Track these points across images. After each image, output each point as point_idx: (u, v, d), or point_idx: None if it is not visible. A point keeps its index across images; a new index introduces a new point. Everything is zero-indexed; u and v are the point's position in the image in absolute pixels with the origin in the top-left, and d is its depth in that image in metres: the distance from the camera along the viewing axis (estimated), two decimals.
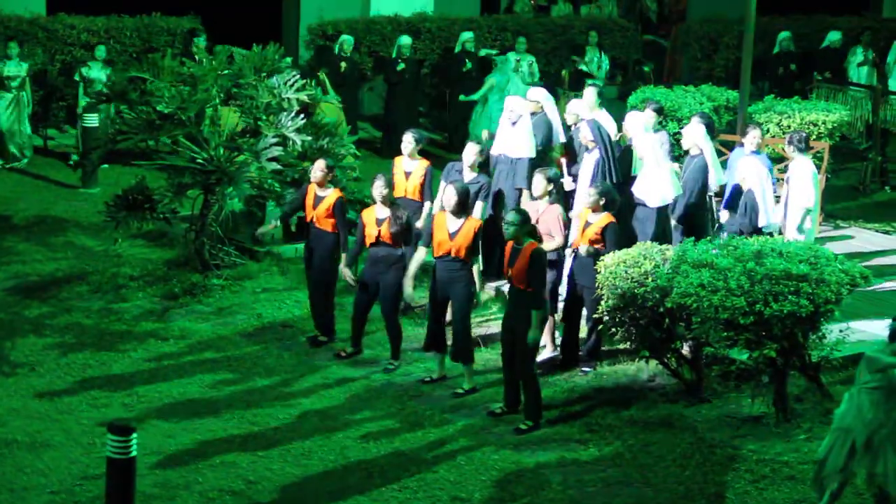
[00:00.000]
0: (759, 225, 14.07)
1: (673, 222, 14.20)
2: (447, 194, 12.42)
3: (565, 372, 12.87)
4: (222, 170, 14.68)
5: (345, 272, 13.01)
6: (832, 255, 12.00)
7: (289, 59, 15.74)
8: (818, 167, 17.85)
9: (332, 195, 13.33)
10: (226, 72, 15.15)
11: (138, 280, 14.83)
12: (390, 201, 12.96)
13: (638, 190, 14.00)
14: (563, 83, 22.54)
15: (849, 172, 20.99)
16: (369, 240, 12.88)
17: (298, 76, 15.54)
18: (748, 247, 12.02)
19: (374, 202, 13.02)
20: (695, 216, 14.38)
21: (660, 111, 15.65)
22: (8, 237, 16.31)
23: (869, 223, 18.29)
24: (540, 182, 13.00)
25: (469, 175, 14.00)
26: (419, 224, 13.78)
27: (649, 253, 12.30)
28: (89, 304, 14.28)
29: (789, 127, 17.88)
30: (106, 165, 18.48)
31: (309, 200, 13.45)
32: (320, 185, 13.40)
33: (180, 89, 14.78)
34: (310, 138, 15.07)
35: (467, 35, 22.18)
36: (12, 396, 11.94)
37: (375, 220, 12.85)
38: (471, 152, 14.06)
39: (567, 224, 13.14)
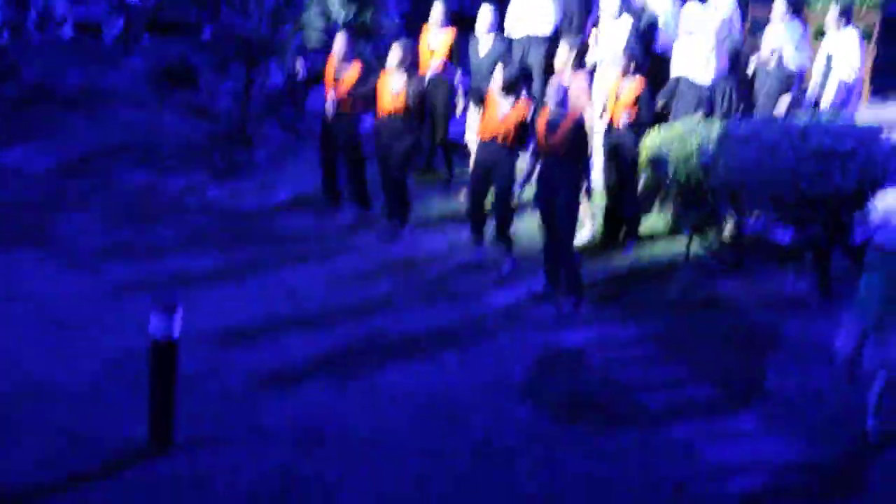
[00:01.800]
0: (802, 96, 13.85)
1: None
2: (495, 74, 12.16)
3: (605, 251, 12.83)
4: (266, 42, 14.57)
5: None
6: (880, 130, 11.85)
7: None
8: (868, 38, 17.58)
9: (353, 68, 13.10)
10: None
11: (182, 154, 14.83)
12: (406, 71, 12.71)
13: (687, 68, 13.65)
14: None
15: None
16: (383, 110, 12.72)
17: None
18: (795, 124, 11.88)
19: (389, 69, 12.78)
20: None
21: None
22: (53, 108, 16.30)
23: None
24: (561, 51, 12.79)
25: (485, 44, 13.74)
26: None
27: (695, 129, 12.15)
28: (132, 179, 14.31)
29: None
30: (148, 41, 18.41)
31: (329, 75, 13.20)
32: (342, 59, 13.13)
33: None
34: (353, 11, 14.92)
35: None
36: (59, 271, 12.00)
37: (391, 89, 12.69)
38: (484, 16, 13.81)
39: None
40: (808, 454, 9.59)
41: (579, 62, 12.87)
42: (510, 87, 11.96)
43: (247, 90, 15.03)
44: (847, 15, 14.32)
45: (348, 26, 14.78)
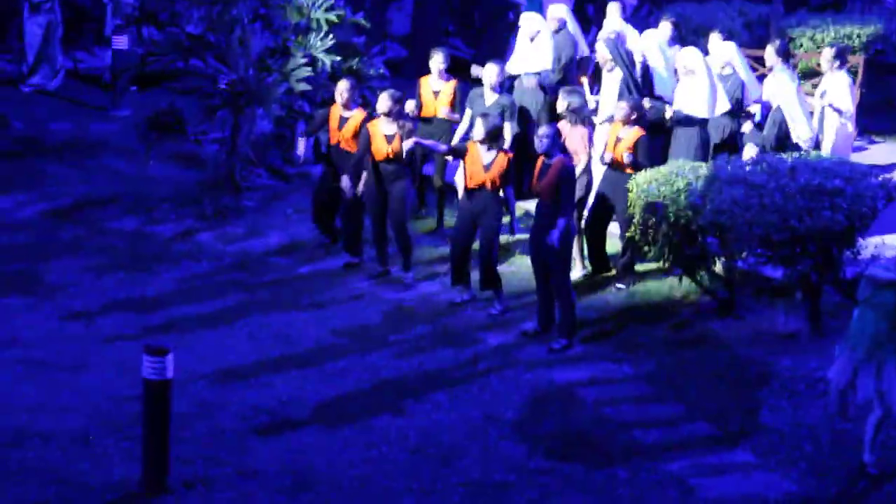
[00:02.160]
0: (797, 139, 13.85)
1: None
2: (477, 126, 12.25)
3: (597, 290, 12.86)
4: (251, 91, 14.63)
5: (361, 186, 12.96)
6: (867, 169, 11.91)
7: None
8: (853, 81, 17.71)
9: (357, 115, 13.25)
10: None
11: (170, 202, 14.85)
12: (397, 117, 12.78)
13: (687, 106, 13.76)
14: None
15: (884, 86, 20.74)
16: (378, 156, 12.80)
17: None
18: (782, 163, 11.94)
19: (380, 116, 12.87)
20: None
21: (676, 25, 15.37)
22: (41, 159, 16.32)
23: None
24: (560, 101, 12.99)
25: (491, 97, 13.89)
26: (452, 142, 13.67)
27: (682, 170, 12.23)
28: (122, 226, 14.32)
29: (822, 41, 17.70)
30: (136, 88, 18.46)
31: (333, 123, 13.37)
32: (345, 106, 13.30)
33: (210, 9, 14.70)
34: (339, 59, 14.98)
35: None
36: (48, 318, 12.00)
37: (384, 136, 12.76)
38: (490, 73, 13.93)
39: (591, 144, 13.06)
40: (804, 488, 9.57)
41: (578, 110, 12.92)
42: (492, 138, 12.08)
43: (234, 137, 15.07)
44: (841, 57, 14.38)
45: (335, 74, 14.84)
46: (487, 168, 12.06)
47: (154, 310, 12.26)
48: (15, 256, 13.41)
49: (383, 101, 12.78)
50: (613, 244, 13.16)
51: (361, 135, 12.96)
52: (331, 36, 15.02)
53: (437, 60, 14.20)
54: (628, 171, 12.53)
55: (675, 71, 14.13)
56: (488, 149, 12.09)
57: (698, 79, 13.73)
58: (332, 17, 15.18)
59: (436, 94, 14.15)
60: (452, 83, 14.25)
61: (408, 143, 12.61)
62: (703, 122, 13.74)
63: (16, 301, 12.33)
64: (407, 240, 12.99)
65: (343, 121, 13.29)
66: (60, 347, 11.38)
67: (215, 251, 13.73)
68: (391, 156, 12.74)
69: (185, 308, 12.31)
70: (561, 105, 13.03)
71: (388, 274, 13.13)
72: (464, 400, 10.69)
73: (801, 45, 17.66)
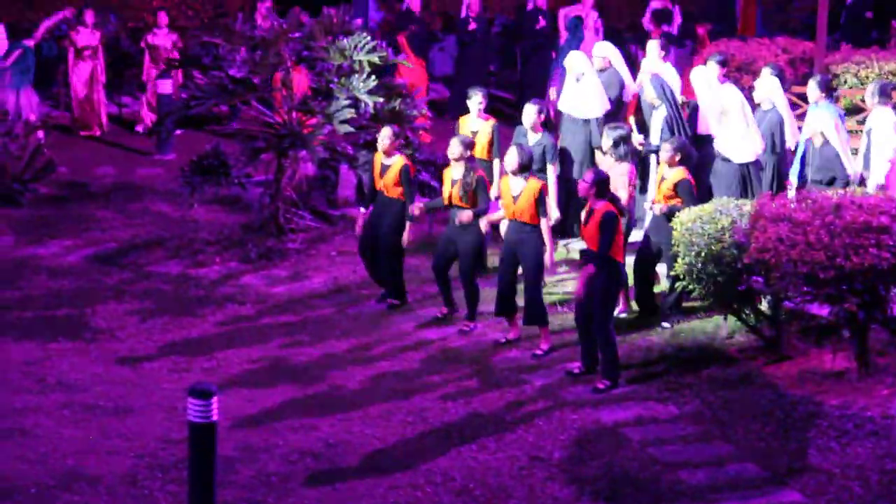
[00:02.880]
0: (846, 175, 13.79)
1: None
2: (508, 155, 12.29)
3: (642, 330, 12.81)
4: (295, 133, 14.71)
5: (414, 209, 12.96)
6: None
7: (359, 21, 15.71)
8: None
9: (398, 162, 13.26)
10: (297, 34, 15.15)
11: (215, 245, 14.92)
12: (465, 162, 12.81)
13: (723, 146, 13.76)
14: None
15: None
16: (445, 200, 12.87)
17: (369, 38, 15.51)
18: (826, 200, 11.86)
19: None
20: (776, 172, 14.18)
21: (724, 63, 15.36)
22: (86, 204, 16.46)
23: None
24: (605, 138, 13.04)
25: (533, 137, 13.90)
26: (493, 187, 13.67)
27: (726, 208, 12.18)
28: (167, 270, 14.40)
29: (867, 77, 17.63)
30: (179, 132, 18.62)
31: (376, 169, 13.38)
32: (387, 153, 13.31)
33: (252, 53, 14.82)
34: (382, 100, 15.04)
35: None
36: (94, 362, 12.07)
37: (451, 180, 12.81)
38: (529, 114, 13.93)
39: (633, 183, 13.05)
40: None
41: (622, 146, 12.92)
42: (523, 168, 12.14)
43: (278, 180, 15.14)
44: (883, 93, 14.30)
45: (378, 115, 14.89)
46: (516, 199, 12.11)
47: (199, 353, 12.30)
48: (61, 301, 13.51)
49: (453, 148, 12.77)
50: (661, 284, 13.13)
51: (403, 176, 13.00)
52: (373, 77, 15.10)
53: (476, 100, 14.23)
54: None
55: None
56: (519, 178, 12.15)
57: (732, 119, 13.71)
58: (375, 58, 15.27)
59: (474, 134, 14.16)
60: (491, 123, 14.26)
61: (465, 216, 12.62)
62: (746, 163, 13.68)
63: (63, 345, 12.41)
64: (474, 289, 12.94)
65: (385, 168, 13.29)
66: (107, 391, 11.43)
67: (259, 294, 13.78)
68: (453, 202, 12.74)
69: (230, 351, 12.35)
70: (605, 142, 13.02)
71: (456, 313, 13.09)
72: (510, 441, 10.65)
73: (846, 82, 17.59)
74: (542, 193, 12.14)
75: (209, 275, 14.27)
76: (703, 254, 11.86)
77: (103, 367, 11.96)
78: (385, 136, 13.32)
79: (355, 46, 15.16)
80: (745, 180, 13.71)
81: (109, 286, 13.93)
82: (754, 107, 14.42)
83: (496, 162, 14.15)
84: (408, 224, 13.07)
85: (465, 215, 12.64)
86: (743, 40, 19.30)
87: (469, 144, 12.84)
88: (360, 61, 15.12)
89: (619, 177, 12.80)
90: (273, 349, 12.43)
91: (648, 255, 12.88)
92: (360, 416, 11.07)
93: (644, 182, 14.35)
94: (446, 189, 12.81)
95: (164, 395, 11.35)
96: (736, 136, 13.70)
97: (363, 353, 12.37)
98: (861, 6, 23.02)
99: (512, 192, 12.20)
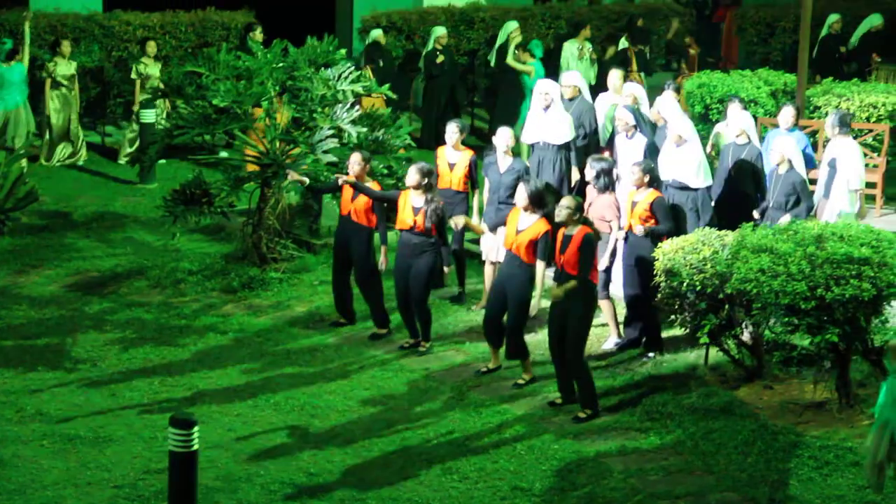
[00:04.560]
0: (811, 204, 13.97)
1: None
2: (519, 191, 12.18)
3: (624, 359, 12.81)
4: (278, 163, 14.72)
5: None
6: (894, 237, 11.86)
7: (343, 52, 15.75)
8: (878, 150, 17.73)
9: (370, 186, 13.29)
10: (280, 65, 15.17)
11: (197, 274, 14.89)
12: (427, 190, 12.81)
13: (680, 173, 13.75)
14: (629, 63, 22.18)
15: None
16: (401, 225, 12.83)
17: (353, 68, 15.53)
18: (808, 231, 11.91)
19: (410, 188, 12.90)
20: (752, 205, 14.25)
21: (678, 90, 15.50)
22: (68, 234, 16.43)
23: None
24: (589, 168, 13.01)
25: (505, 162, 13.91)
26: (458, 219, 13.56)
27: (708, 238, 12.21)
28: (149, 300, 14.37)
29: (849, 110, 17.74)
30: (163, 161, 18.61)
31: (346, 194, 13.39)
32: (358, 178, 13.33)
33: (236, 83, 14.83)
34: (365, 130, 15.06)
35: (440, 31, 21.61)
36: (75, 392, 12.02)
37: (412, 207, 12.79)
38: (503, 137, 13.94)
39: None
40: None
41: (607, 176, 12.94)
42: (535, 203, 12.09)
43: (260, 209, 15.13)
44: (842, 123, 14.45)
45: (361, 145, 14.90)
46: (519, 231, 12.09)
47: (180, 382, 12.27)
48: (42, 330, 13.46)
49: (414, 175, 12.81)
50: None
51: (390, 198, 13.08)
52: (357, 107, 15.12)
53: (451, 131, 14.22)
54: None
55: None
56: (530, 214, 12.11)
57: (691, 146, 13.79)
58: (359, 88, 15.30)
59: (451, 166, 14.16)
60: (468, 154, 14.24)
61: (459, 223, 12.70)
62: (695, 190, 13.78)
63: (43, 375, 12.36)
64: (426, 313, 12.98)
65: (355, 191, 13.31)
66: (87, 421, 11.39)
67: (241, 323, 13.75)
68: (416, 228, 12.75)
69: (212, 381, 12.32)
70: (590, 172, 13.02)
71: (419, 345, 13.11)
72: (491, 471, 10.63)
73: (826, 114, 17.65)
74: (546, 237, 12.01)
75: (191, 304, 14.24)
76: (685, 284, 11.89)
77: (83, 397, 11.91)
78: (355, 161, 13.34)
79: (339, 76, 15.18)
80: (698, 207, 13.77)
81: (90, 315, 13.89)
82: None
83: (476, 194, 14.17)
84: (382, 248, 13.07)
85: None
86: (725, 72, 19.40)
87: (427, 172, 12.83)
88: (343, 91, 15.14)
89: (607, 207, 12.80)
90: (254, 378, 12.40)
91: (633, 282, 12.83)
92: (342, 444, 11.05)
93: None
94: (406, 215, 12.78)
95: (144, 425, 11.31)
96: (694, 163, 13.73)
97: (344, 382, 12.34)
98: (833, 41, 23.18)
99: (518, 224, 12.15)
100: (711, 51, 26.58)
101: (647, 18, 23.59)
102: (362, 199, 13.20)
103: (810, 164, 14.92)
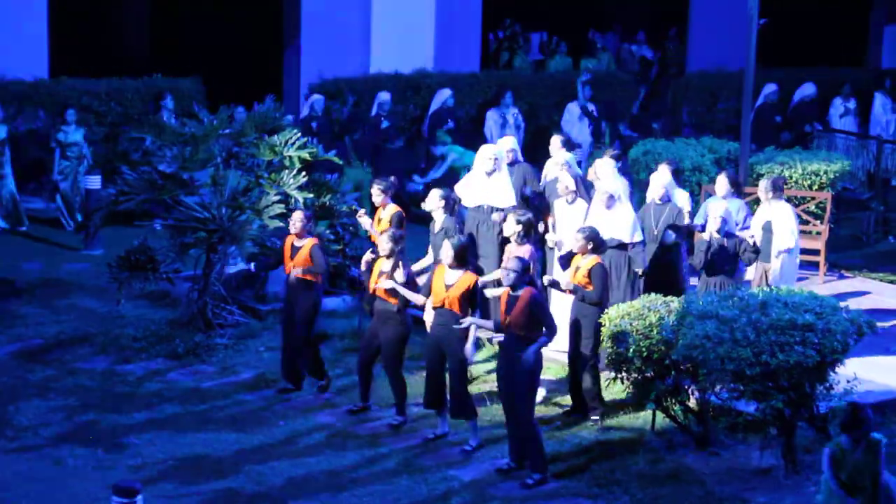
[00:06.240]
0: (744, 269, 14.27)
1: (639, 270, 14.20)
2: (444, 248, 12.40)
3: (571, 424, 12.82)
4: (224, 228, 14.69)
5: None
6: (837, 304, 11.97)
7: (290, 117, 15.80)
8: (821, 217, 17.93)
9: (308, 243, 13.36)
10: (227, 130, 15.18)
11: (142, 341, 14.79)
12: (393, 257, 12.87)
13: (615, 231, 13.95)
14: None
15: (852, 222, 20.99)
16: (376, 295, 12.87)
17: (299, 134, 15.57)
18: (752, 297, 12.00)
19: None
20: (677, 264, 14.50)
21: (617, 158, 15.77)
22: (11, 300, 16.29)
23: (873, 273, 18.23)
24: (510, 222, 13.34)
25: (439, 220, 14.14)
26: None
27: (654, 304, 12.28)
28: (93, 366, 14.25)
29: (791, 177, 17.95)
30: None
31: (287, 253, 13.46)
32: (299, 235, 13.39)
33: (182, 149, 14.82)
34: (312, 195, 15.08)
35: (384, 96, 21.85)
36: (17, 460, 11.87)
37: (381, 272, 12.84)
38: (433, 199, 14.18)
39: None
40: None
41: (527, 230, 13.20)
42: (459, 259, 12.24)
43: (206, 275, 15.08)
44: (777, 187, 14.72)
45: (307, 208, 14.92)
46: (449, 286, 12.16)
47: (124, 449, 12.14)
48: None
49: (382, 243, 12.85)
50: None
51: (313, 254, 13.16)
52: (303, 173, 15.14)
53: (376, 192, 14.39)
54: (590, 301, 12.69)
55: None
56: (455, 269, 12.24)
57: (624, 205, 14.11)
58: (305, 154, 15.33)
59: (380, 220, 14.32)
60: (391, 210, 14.37)
61: (386, 283, 12.60)
62: (625, 247, 14.02)
63: None
64: (401, 383, 12.92)
65: (295, 250, 13.37)
66: (28, 489, 11.23)
67: (187, 390, 13.65)
68: (379, 295, 12.77)
69: (156, 448, 12.20)
70: (510, 227, 13.24)
71: (369, 410, 13.06)
72: None
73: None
74: (476, 287, 12.19)
75: (136, 371, 14.13)
76: (631, 349, 11.93)
77: (27, 465, 11.76)
78: (297, 218, 13.47)
79: (286, 142, 15.21)
80: (629, 264, 14.00)
81: (34, 383, 13.74)
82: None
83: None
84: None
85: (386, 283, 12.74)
86: (668, 139, 19.59)
87: (398, 239, 12.91)
88: (290, 157, 15.17)
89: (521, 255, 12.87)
90: (199, 444, 12.30)
91: (577, 345, 12.87)
92: None
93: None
94: (374, 281, 12.80)
95: (88, 494, 11.18)
96: (627, 221, 14.02)
97: (290, 448, 12.26)
98: (769, 110, 23.50)
99: (446, 280, 12.25)
100: (655, 118, 26.85)
101: (595, 88, 23.76)
102: (303, 255, 13.28)
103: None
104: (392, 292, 12.65)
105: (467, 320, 12.09)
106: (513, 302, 11.66)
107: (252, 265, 14.39)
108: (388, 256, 12.81)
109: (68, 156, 19.52)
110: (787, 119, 23.68)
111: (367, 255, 13.23)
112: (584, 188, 14.86)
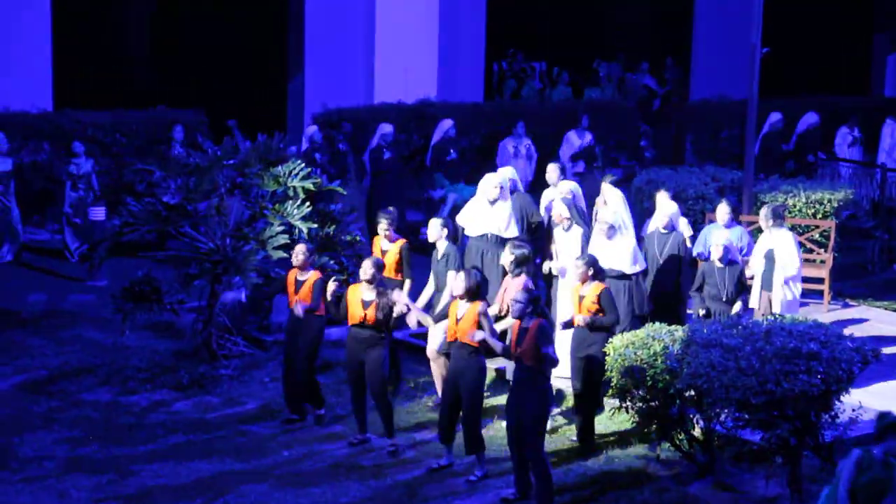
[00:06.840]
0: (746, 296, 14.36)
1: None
2: (457, 281, 12.39)
3: (577, 455, 12.78)
4: (229, 259, 14.70)
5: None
6: (842, 332, 11.96)
7: (293, 148, 15.81)
8: (825, 246, 17.92)
9: (311, 277, 13.37)
10: (231, 162, 15.21)
11: (146, 372, 14.78)
12: (377, 285, 12.89)
13: (615, 261, 13.97)
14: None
15: (856, 251, 20.95)
16: (352, 320, 12.86)
17: (303, 164, 15.58)
18: (757, 326, 11.99)
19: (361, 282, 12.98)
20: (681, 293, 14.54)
21: (616, 185, 15.79)
22: (16, 331, 16.29)
23: (878, 301, 18.21)
24: (506, 253, 13.45)
25: (441, 248, 14.11)
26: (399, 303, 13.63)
27: (658, 333, 12.26)
28: (98, 398, 14.24)
29: (794, 206, 17.96)
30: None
31: (290, 286, 13.48)
32: (301, 268, 13.43)
33: (186, 180, 14.84)
34: (315, 226, 15.10)
35: (387, 128, 21.71)
36: (21, 492, 11.85)
37: (361, 301, 12.82)
38: (433, 231, 14.16)
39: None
40: None
41: (523, 263, 13.27)
42: (472, 295, 12.19)
43: (210, 306, 15.09)
44: (777, 215, 14.75)
45: (310, 239, 14.93)
46: (459, 320, 12.15)
47: (129, 481, 12.12)
48: None
49: (365, 268, 12.86)
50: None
51: (315, 289, 13.21)
52: (307, 204, 15.15)
53: (382, 225, 14.39)
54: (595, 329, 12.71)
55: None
56: (465, 302, 12.21)
57: (626, 235, 14.16)
58: (309, 185, 15.33)
59: (384, 253, 14.31)
60: (399, 243, 14.39)
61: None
62: (630, 276, 14.05)
63: None
64: (388, 406, 12.93)
65: (299, 284, 13.39)
66: None
67: (191, 420, 13.64)
68: (367, 321, 12.76)
69: (161, 479, 12.18)
70: (507, 257, 13.25)
71: (369, 441, 13.05)
72: None
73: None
74: (486, 312, 12.17)
75: (140, 402, 14.12)
76: (636, 379, 11.91)
77: (31, 497, 11.74)
78: (299, 251, 13.52)
79: (289, 173, 15.22)
80: (632, 291, 14.01)
81: (38, 414, 13.74)
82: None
83: (407, 283, 14.30)
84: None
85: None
86: (673, 168, 19.61)
87: (381, 266, 13.00)
88: (294, 188, 15.18)
89: (516, 290, 12.84)
90: (205, 475, 12.27)
91: (586, 376, 12.86)
92: None
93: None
94: (356, 309, 12.81)
95: None
96: (628, 251, 14.03)
97: (295, 479, 12.24)
98: (775, 139, 23.51)
99: (457, 314, 12.23)
100: (653, 147, 26.88)
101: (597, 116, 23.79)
102: (306, 288, 13.31)
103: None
104: (380, 322, 12.67)
105: (479, 334, 12.04)
106: (523, 334, 11.64)
107: (243, 294, 14.42)
108: (369, 281, 12.81)
109: (79, 187, 19.55)
110: (793, 147, 23.67)
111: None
112: (578, 213, 14.81)
